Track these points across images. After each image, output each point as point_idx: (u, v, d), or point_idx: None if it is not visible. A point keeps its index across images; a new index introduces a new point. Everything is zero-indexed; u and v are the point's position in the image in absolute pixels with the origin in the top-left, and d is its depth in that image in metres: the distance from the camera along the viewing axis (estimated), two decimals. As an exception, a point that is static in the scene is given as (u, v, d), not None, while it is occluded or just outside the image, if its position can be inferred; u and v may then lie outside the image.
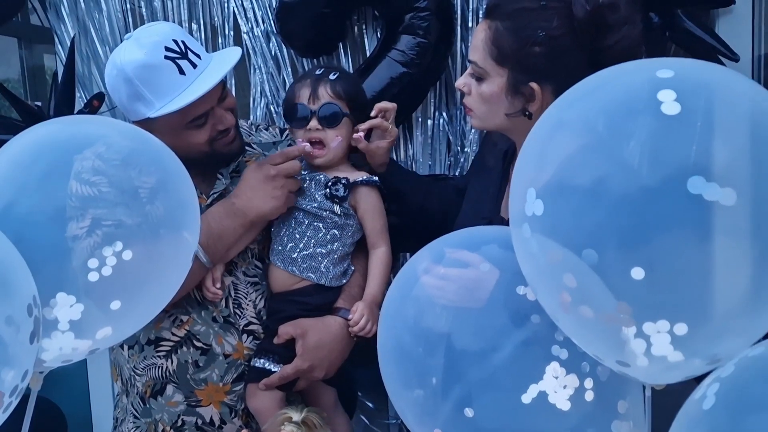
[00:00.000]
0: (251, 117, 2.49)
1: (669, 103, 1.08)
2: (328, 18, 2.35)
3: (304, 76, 1.98)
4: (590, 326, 1.17)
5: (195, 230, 1.56)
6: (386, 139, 1.96)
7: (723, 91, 1.12)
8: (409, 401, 1.40)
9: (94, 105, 2.41)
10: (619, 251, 1.09)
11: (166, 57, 1.77)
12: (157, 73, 1.76)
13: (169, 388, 1.95)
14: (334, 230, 1.92)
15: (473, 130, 2.36)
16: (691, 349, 1.14)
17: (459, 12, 2.33)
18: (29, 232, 1.38)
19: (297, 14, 2.36)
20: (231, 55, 1.87)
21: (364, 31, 2.45)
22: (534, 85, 1.58)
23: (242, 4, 2.46)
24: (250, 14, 2.46)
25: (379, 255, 1.95)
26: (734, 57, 2.20)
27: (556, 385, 1.28)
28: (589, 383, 1.29)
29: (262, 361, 1.90)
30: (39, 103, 2.53)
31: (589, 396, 1.29)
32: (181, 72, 1.77)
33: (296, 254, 1.91)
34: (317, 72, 1.95)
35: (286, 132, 2.10)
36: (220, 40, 2.50)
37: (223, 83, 1.86)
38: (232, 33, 2.49)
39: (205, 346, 1.92)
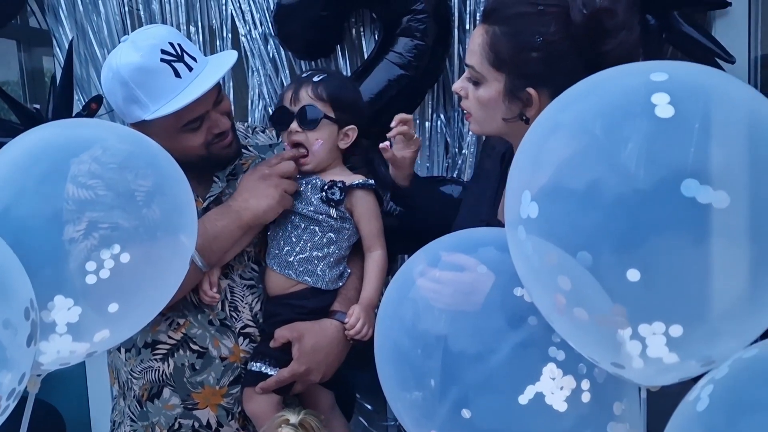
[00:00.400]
0: (249, 119, 2.50)
1: (663, 106, 1.08)
2: (325, 20, 2.35)
3: (294, 79, 1.97)
4: (585, 328, 1.17)
5: (192, 233, 1.56)
6: (410, 149, 1.94)
7: (717, 94, 1.13)
8: (406, 403, 1.40)
9: (92, 108, 2.41)
10: (613, 253, 1.09)
11: (162, 60, 1.77)
12: (153, 76, 1.76)
13: (166, 392, 1.94)
14: (330, 234, 1.92)
15: (471, 133, 2.36)
16: (687, 351, 1.14)
17: (456, 14, 2.33)
18: (27, 235, 1.38)
19: (295, 17, 2.36)
20: (227, 59, 1.87)
21: (362, 33, 2.46)
22: (531, 90, 1.57)
23: (240, 7, 2.46)
24: (248, 17, 2.46)
25: (375, 258, 1.95)
26: (730, 59, 2.20)
27: (553, 387, 1.28)
28: (585, 384, 1.29)
29: (258, 364, 1.90)
30: (37, 106, 2.53)
31: (585, 397, 1.29)
32: (177, 75, 1.77)
33: (293, 258, 1.91)
34: (304, 74, 1.95)
35: (283, 134, 2.10)
36: (218, 43, 2.51)
37: (218, 87, 1.86)
38: (230, 35, 2.49)
39: (201, 349, 1.92)
